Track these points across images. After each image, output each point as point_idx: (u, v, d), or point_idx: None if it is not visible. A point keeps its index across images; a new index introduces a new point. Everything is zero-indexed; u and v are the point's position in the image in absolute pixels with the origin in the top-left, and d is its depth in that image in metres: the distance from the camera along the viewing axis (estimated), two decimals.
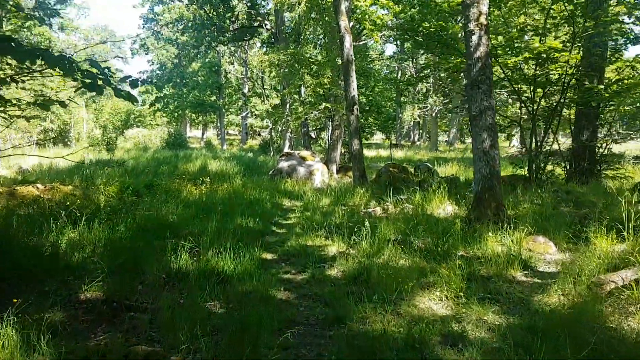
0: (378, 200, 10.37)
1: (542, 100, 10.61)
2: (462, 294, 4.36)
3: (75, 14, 67.47)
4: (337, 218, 8.43)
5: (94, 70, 4.41)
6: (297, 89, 16.76)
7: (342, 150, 16.43)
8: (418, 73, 34.34)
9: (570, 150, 11.67)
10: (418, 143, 43.49)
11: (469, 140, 47.98)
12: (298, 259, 5.99)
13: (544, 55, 8.75)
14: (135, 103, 4.44)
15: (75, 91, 7.52)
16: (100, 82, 4.41)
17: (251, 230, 7.31)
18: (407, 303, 4.30)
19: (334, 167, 15.48)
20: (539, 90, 10.52)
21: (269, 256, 6.18)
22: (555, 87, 10.34)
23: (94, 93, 4.56)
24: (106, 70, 4.40)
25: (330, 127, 16.45)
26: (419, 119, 38.90)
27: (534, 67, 10.13)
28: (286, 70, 15.69)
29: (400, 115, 43.23)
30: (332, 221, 8.20)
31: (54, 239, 5.91)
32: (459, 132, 41.82)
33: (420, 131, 47.96)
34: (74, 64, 4.49)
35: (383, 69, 45.36)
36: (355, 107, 11.62)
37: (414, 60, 39.33)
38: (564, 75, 9.73)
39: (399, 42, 41.03)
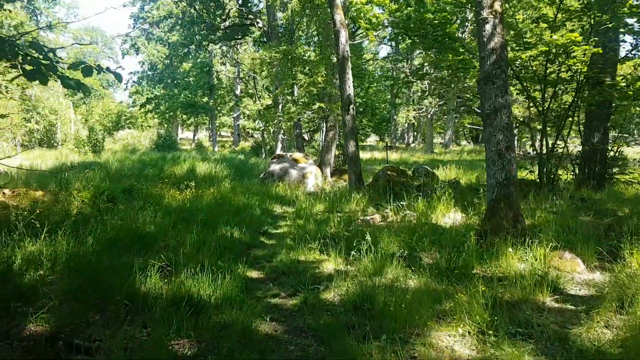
0: (377, 206, 9.59)
1: (553, 99, 9.87)
2: (487, 329, 3.57)
3: (65, 14, 66.42)
4: (332, 227, 7.64)
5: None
6: (290, 89, 15.96)
7: (337, 153, 15.66)
8: (413, 74, 33.68)
9: (581, 153, 10.95)
10: (413, 145, 42.83)
11: (464, 142, 47.42)
12: (288, 278, 5.18)
13: (561, 50, 8.01)
14: (87, 94, 3.64)
15: (11, 80, 6.67)
16: (46, 70, 3.61)
17: (236, 242, 6.50)
18: (421, 341, 3.51)
19: (328, 170, 14.70)
20: (549, 89, 9.79)
21: (254, 274, 5.37)
22: (568, 85, 9.60)
23: (81, 92, 3.79)
24: (51, 55, 3.60)
25: (324, 128, 15.68)
26: (414, 121, 38.20)
27: (544, 63, 9.39)
28: (278, 69, 14.88)
29: (395, 117, 42.57)
30: (327, 231, 7.41)
31: (8, 254, 5.08)
32: (454, 134, 41.18)
33: (415, 133, 47.32)
34: (15, 48, 3.70)
35: (377, 71, 44.70)
36: (351, 106, 10.85)
37: (409, 62, 38.70)
38: (578, 72, 9.00)
39: (393, 44, 40.42)
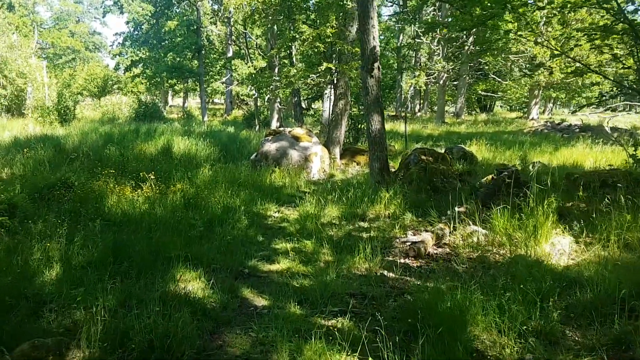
0: (416, 211, 6.60)
1: None
2: None
3: None
4: (361, 260, 4.68)
5: None
6: (289, 45, 12.71)
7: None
8: (424, 29, 30.15)
9: None
10: (419, 114, 39.46)
11: (474, 112, 43.89)
12: None
13: None
14: None
15: None
16: None
17: (194, 307, 3.54)
18: None
19: (337, 150, 11.65)
20: None
21: None
22: None
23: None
24: None
25: (331, 97, 12.53)
26: (424, 87, 34.75)
27: None
28: (275, 17, 11.62)
29: (402, 84, 39.17)
30: (355, 266, 4.48)
31: None
32: (466, 102, 37.86)
33: (422, 101, 43.90)
34: None
35: (381, 33, 40.87)
36: (377, 64, 7.73)
37: (417, 22, 34.91)
38: None
39: (401, 1, 36.66)
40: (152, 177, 7.22)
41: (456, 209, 6.11)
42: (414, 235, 5.68)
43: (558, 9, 7.36)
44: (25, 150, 10.16)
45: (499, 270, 4.32)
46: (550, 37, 10.22)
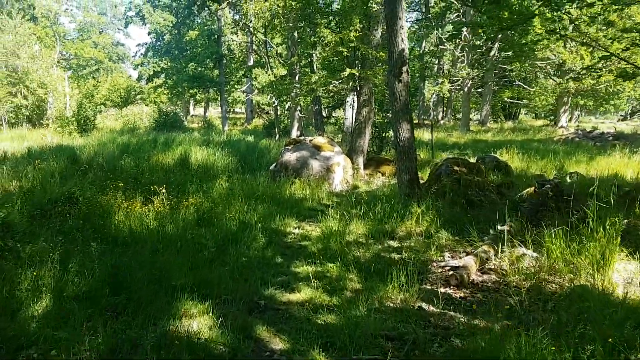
0: (453, 230, 5.93)
1: None
2: None
3: None
4: (394, 290, 4.04)
5: None
6: (311, 50, 12.14)
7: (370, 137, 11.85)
8: (447, 40, 29.41)
9: None
10: (442, 122, 38.51)
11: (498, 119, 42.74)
12: None
13: None
14: None
15: None
16: None
17: (197, 354, 2.95)
18: None
19: (360, 160, 11.03)
20: None
21: None
22: None
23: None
24: None
25: (353, 104, 11.93)
26: (448, 94, 33.83)
27: None
28: (295, 24, 11.07)
29: (425, 91, 38.41)
30: (388, 298, 3.85)
31: None
32: (491, 109, 36.81)
33: (445, 108, 42.95)
34: None
35: None
36: (405, 68, 7.11)
37: (441, 28, 34.08)
38: None
39: (424, 8, 36.00)
40: (164, 190, 6.69)
41: (499, 227, 5.44)
42: (453, 258, 5.02)
43: (607, 6, 6.66)
44: (37, 161, 9.79)
45: (559, 303, 3.64)
46: (599, 37, 9.50)
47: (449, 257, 5.03)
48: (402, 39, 7.12)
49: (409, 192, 7.28)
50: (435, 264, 4.81)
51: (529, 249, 4.80)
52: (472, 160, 10.53)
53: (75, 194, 6.37)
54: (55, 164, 9.99)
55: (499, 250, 4.92)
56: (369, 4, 9.67)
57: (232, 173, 10.38)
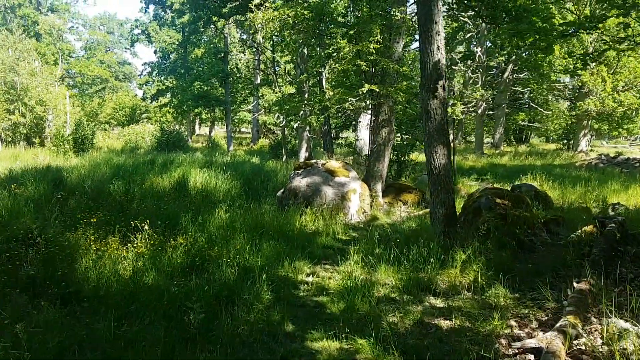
0: (508, 281, 4.64)
1: None
2: None
3: None
4: None
5: None
6: (319, 68, 10.97)
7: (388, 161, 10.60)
8: (459, 61, 28.35)
9: None
10: (453, 145, 37.33)
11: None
12: None
13: None
14: None
15: None
16: None
17: None
18: None
19: (378, 187, 9.79)
20: None
21: None
22: None
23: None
24: None
25: (371, 123, 10.74)
26: (462, 117, 32.67)
27: None
28: (306, 35, 9.94)
29: None
30: None
31: None
32: (504, 132, 35.62)
33: (456, 131, 41.76)
34: None
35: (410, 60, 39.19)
36: (441, 82, 5.94)
37: (451, 47, 33.09)
38: None
39: None
40: (147, 227, 5.45)
41: (575, 284, 4.17)
42: (522, 328, 3.73)
43: None
44: (13, 186, 8.62)
45: None
46: None
47: (517, 329, 3.74)
48: (438, 46, 5.95)
49: (446, 229, 6.02)
50: (502, 341, 3.53)
51: (627, 320, 3.53)
52: (508, 188, 9.26)
53: (33, 232, 5.13)
54: (34, 189, 8.81)
55: (583, 320, 3.65)
56: (393, 12, 8.53)
57: (235, 199, 9.15)
